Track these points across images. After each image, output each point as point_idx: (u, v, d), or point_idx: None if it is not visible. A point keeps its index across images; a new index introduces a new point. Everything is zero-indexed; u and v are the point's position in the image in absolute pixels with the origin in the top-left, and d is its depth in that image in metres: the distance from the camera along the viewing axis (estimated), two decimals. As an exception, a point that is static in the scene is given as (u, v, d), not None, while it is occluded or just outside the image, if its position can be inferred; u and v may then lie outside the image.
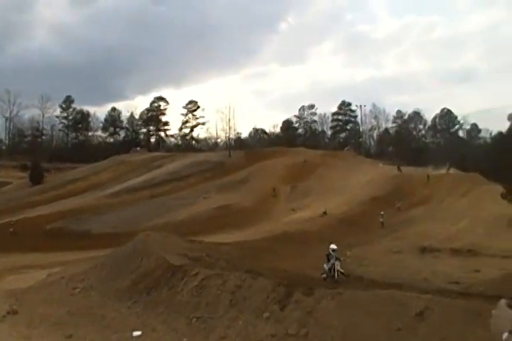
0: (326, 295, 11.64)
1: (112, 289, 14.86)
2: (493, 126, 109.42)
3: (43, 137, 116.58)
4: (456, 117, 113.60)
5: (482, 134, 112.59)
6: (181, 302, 13.02)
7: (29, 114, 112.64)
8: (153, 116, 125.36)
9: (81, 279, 16.43)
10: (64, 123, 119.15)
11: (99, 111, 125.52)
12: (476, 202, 46.24)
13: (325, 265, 18.55)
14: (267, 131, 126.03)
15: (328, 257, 18.45)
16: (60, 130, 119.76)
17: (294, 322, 11.08)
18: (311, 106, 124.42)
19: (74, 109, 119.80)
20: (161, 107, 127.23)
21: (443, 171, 62.18)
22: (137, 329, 11.96)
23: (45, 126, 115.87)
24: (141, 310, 13.21)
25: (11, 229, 42.29)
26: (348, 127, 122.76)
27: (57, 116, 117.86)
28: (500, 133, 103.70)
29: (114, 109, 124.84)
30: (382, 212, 40.98)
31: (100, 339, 11.74)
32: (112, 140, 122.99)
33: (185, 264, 15.00)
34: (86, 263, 19.77)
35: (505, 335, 2.38)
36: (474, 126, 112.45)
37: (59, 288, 16.06)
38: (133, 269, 15.92)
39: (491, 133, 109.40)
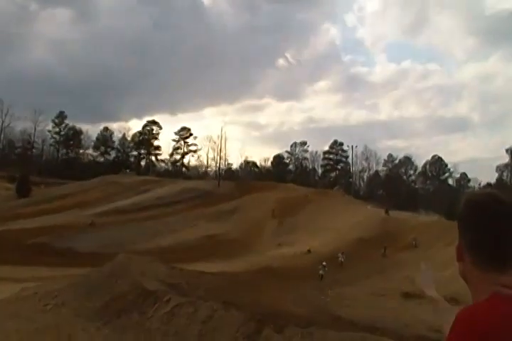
0: (296, 333, 11.23)
1: (84, 308, 14.42)
2: (482, 176, 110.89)
3: (34, 150, 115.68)
4: (446, 165, 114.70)
5: (471, 184, 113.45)
6: (150, 328, 12.66)
7: (21, 126, 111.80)
8: (145, 139, 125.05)
9: (54, 296, 15.94)
10: (55, 138, 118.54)
11: (92, 130, 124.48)
12: (462, 251, 45.86)
13: None
14: (258, 164, 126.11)
15: None
16: (51, 145, 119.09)
17: None
18: (303, 143, 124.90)
19: (66, 125, 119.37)
20: (154, 131, 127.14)
21: (432, 218, 62.04)
22: None
23: (36, 140, 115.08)
24: (109, 333, 12.81)
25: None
26: (339, 167, 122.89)
27: (49, 131, 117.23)
28: (488, 184, 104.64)
29: (106, 129, 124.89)
30: (324, 263, 37.11)
31: None
32: (102, 159, 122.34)
33: (158, 290, 14.60)
34: (63, 280, 19.36)
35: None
36: (464, 175, 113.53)
37: (31, 304, 15.66)
38: (107, 290, 15.51)
39: (479, 184, 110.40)
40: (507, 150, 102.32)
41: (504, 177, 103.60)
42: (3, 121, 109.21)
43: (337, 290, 29.45)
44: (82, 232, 49.47)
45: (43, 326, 13.34)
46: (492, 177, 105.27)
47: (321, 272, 36.25)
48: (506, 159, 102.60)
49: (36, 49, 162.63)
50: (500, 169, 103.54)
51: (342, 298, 26.88)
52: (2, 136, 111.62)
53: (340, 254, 39.62)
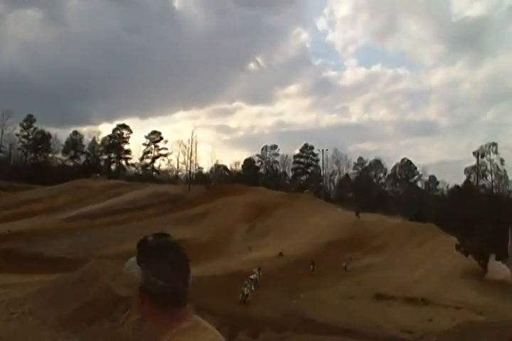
0: (271, 337, 11.25)
1: (53, 316, 14.15)
2: (450, 178, 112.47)
3: (1, 154, 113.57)
4: (415, 168, 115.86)
5: (440, 186, 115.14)
6: (122, 336, 12.51)
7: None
8: (115, 143, 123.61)
9: (21, 304, 15.62)
10: (23, 142, 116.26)
11: (61, 134, 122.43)
12: (431, 252, 46.60)
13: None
14: (229, 168, 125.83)
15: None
16: (19, 149, 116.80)
17: None
18: (274, 147, 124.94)
19: (35, 128, 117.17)
20: (124, 135, 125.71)
21: (401, 220, 62.82)
22: None
23: (3, 144, 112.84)
24: (80, 341, 12.55)
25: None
26: (309, 170, 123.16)
27: (17, 135, 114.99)
28: (456, 187, 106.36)
29: (76, 133, 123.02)
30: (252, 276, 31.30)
31: None
32: (71, 164, 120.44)
33: (129, 296, 14.44)
34: (31, 287, 18.95)
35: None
36: (432, 177, 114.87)
37: None
38: (77, 297, 15.31)
39: (447, 186, 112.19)
40: (474, 153, 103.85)
41: (472, 180, 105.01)
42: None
43: (308, 293, 29.53)
44: (50, 238, 48.60)
45: (10, 335, 13.04)
46: (460, 180, 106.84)
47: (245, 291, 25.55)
48: (474, 161, 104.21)
49: (4, 50, 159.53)
50: (467, 171, 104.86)
51: (313, 301, 26.96)
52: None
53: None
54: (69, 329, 13.14)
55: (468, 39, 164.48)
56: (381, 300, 30.86)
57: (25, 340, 12.65)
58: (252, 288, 23.09)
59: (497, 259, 40.51)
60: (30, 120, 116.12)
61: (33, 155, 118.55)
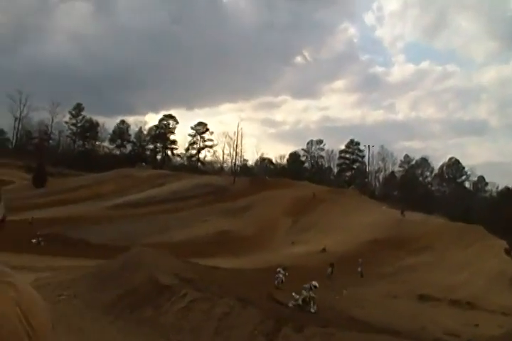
0: (316, 333, 10.97)
1: (97, 301, 14.23)
2: (499, 180, 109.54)
3: (50, 141, 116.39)
4: (463, 168, 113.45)
5: (488, 187, 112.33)
6: (165, 323, 12.45)
7: (38, 116, 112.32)
8: (162, 133, 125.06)
9: (67, 287, 15.77)
10: (72, 130, 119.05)
11: (108, 123, 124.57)
12: (478, 255, 45.38)
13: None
14: (274, 161, 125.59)
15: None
16: (67, 136, 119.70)
17: None
18: (320, 142, 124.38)
19: (83, 117, 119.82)
20: (170, 125, 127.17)
21: (447, 221, 61.46)
22: None
23: (53, 131, 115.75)
24: (122, 327, 12.61)
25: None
26: (355, 166, 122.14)
27: (66, 122, 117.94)
28: (507, 189, 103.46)
29: (123, 122, 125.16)
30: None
31: None
32: (118, 152, 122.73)
33: (174, 284, 14.39)
34: (77, 271, 19.21)
35: None
36: (481, 178, 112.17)
37: (44, 294, 15.21)
38: (121, 283, 15.34)
39: (497, 188, 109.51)
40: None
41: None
42: (21, 112, 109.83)
43: (351, 290, 29.09)
44: (95, 224, 49.43)
45: (55, 316, 13.09)
46: (510, 181, 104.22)
47: (359, 269, 35.94)
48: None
49: (56, 41, 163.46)
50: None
51: (356, 298, 26.52)
52: (20, 126, 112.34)
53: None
54: (112, 314, 13.18)
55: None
56: (425, 301, 30.20)
57: (69, 322, 12.68)
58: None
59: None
60: (79, 108, 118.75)
61: (81, 142, 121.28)
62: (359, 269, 37.01)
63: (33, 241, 39.84)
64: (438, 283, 35.25)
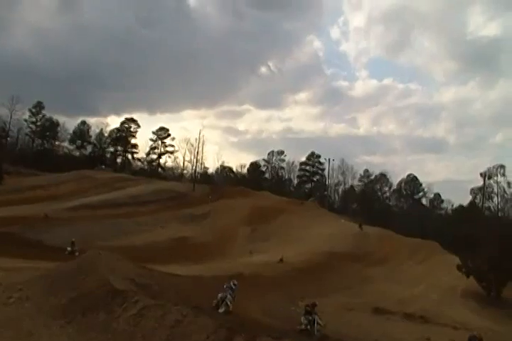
0: (268, 344, 10.84)
1: (48, 304, 13.86)
2: (455, 197, 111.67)
3: (8, 139, 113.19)
4: (420, 184, 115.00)
5: (444, 205, 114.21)
6: (117, 329, 12.22)
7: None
8: (123, 136, 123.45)
9: (18, 289, 15.31)
10: (31, 128, 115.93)
11: (69, 123, 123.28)
12: (432, 270, 46.37)
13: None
14: (234, 170, 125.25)
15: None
16: (26, 134, 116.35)
17: None
18: (281, 153, 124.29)
19: (43, 115, 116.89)
20: (132, 129, 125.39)
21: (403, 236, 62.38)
22: None
23: (11, 128, 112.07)
24: (73, 332, 12.31)
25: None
26: (315, 179, 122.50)
27: (25, 120, 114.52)
28: (461, 206, 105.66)
29: (84, 123, 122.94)
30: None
31: None
32: (77, 153, 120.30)
33: (128, 289, 14.12)
34: (30, 273, 18.63)
35: None
36: (437, 195, 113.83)
37: None
38: (74, 287, 14.98)
39: (452, 205, 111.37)
40: (481, 174, 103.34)
41: (477, 200, 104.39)
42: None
43: (307, 301, 29.03)
44: (52, 225, 48.30)
45: (4, 319, 12.78)
46: (465, 200, 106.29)
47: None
48: (480, 182, 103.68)
49: (18, 35, 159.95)
50: (474, 192, 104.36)
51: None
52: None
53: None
54: (64, 318, 12.84)
55: (482, 59, 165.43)
56: (380, 314, 30.41)
57: (19, 326, 12.33)
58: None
59: (501, 282, 40.00)
60: (39, 106, 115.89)
61: (40, 141, 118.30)
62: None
63: None
64: (393, 297, 35.70)
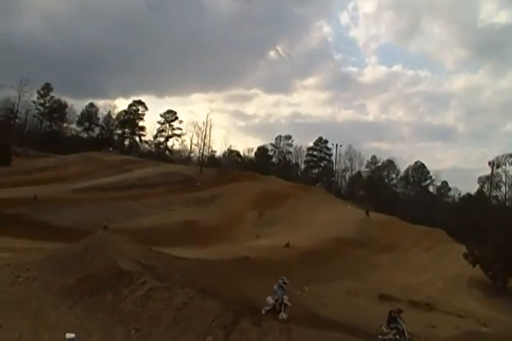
0: (274, 328, 10.87)
1: (56, 284, 13.91)
2: (462, 186, 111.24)
3: (17, 120, 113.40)
4: (428, 172, 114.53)
5: (451, 193, 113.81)
6: (124, 310, 12.24)
7: (5, 94, 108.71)
8: (130, 119, 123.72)
9: (27, 269, 15.40)
10: (40, 110, 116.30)
11: (77, 105, 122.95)
12: (438, 258, 46.28)
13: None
14: (242, 154, 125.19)
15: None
16: (34, 116, 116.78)
17: None
18: (288, 137, 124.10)
19: (52, 97, 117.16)
20: (139, 112, 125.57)
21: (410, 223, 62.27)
22: (72, 332, 11.18)
23: (20, 110, 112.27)
24: (80, 312, 12.35)
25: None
26: (322, 164, 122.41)
27: (33, 102, 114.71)
28: (468, 195, 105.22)
29: (92, 105, 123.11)
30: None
31: (30, 335, 10.96)
32: (85, 135, 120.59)
33: (135, 271, 14.12)
34: (38, 253, 18.77)
35: None
36: (445, 183, 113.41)
37: (2, 275, 15.29)
38: (81, 267, 15.02)
39: (459, 193, 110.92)
40: (489, 163, 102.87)
41: (485, 190, 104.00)
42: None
43: (313, 287, 29.12)
44: (60, 207, 48.51)
45: (13, 298, 12.85)
46: (473, 189, 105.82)
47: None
48: (488, 171, 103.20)
49: (27, 18, 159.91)
50: (481, 181, 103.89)
51: (318, 295, 26.57)
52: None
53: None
54: (71, 299, 12.90)
55: (493, 47, 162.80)
56: (385, 301, 30.39)
57: (27, 305, 12.42)
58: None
59: (508, 272, 39.90)
60: (47, 88, 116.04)
61: (48, 123, 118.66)
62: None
63: None
64: (398, 284, 35.70)
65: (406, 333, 16.84)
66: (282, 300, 16.57)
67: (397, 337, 16.77)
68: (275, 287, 17.17)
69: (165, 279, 14.41)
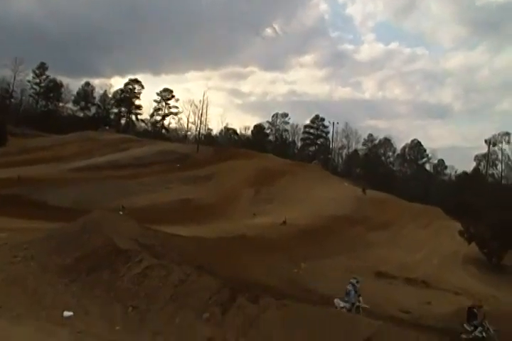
0: (271, 304, 10.95)
1: (53, 263, 13.97)
2: (459, 164, 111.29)
3: (12, 100, 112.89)
4: (425, 150, 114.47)
5: (447, 171, 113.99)
6: (120, 288, 12.35)
7: (0, 73, 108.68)
8: (127, 97, 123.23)
9: (24, 248, 15.46)
10: (35, 89, 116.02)
11: (73, 84, 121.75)
12: (434, 235, 46.59)
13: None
14: (238, 132, 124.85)
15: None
16: (30, 95, 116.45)
17: (234, 328, 10.39)
18: (285, 115, 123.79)
19: (47, 76, 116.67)
20: (135, 90, 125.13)
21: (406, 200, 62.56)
22: (69, 310, 11.32)
23: (15, 89, 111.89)
24: (77, 290, 12.44)
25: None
26: (319, 142, 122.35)
27: (28, 81, 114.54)
28: (465, 173, 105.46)
29: (88, 84, 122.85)
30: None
31: (28, 313, 11.05)
32: (81, 114, 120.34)
33: (131, 249, 14.19)
34: (35, 233, 18.82)
35: None
36: (441, 161, 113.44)
37: (0, 254, 15.04)
38: (78, 246, 15.06)
39: (456, 171, 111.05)
40: (486, 141, 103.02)
41: (481, 168, 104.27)
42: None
43: (309, 264, 29.30)
44: (56, 186, 48.49)
45: (10, 277, 12.91)
46: (469, 167, 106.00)
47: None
48: (484, 149, 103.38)
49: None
50: (478, 159, 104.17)
51: (315, 272, 26.76)
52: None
53: None
54: (68, 277, 12.98)
55: (491, 24, 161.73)
56: (382, 278, 30.72)
57: (24, 284, 12.51)
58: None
59: (503, 249, 40.20)
60: (42, 68, 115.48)
61: (43, 102, 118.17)
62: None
63: None
64: (395, 261, 35.97)
65: (491, 330, 15.11)
66: (359, 303, 14.98)
67: (484, 334, 15.07)
68: (349, 287, 15.14)
69: (162, 257, 14.48)
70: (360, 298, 14.91)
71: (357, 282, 15.25)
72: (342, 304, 14.69)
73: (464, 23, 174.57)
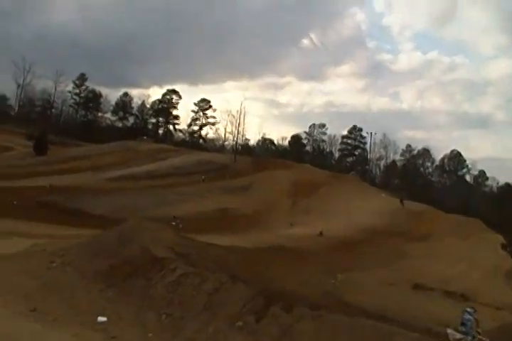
0: (306, 314, 10.78)
1: (89, 270, 14.15)
2: (500, 175, 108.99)
3: (53, 110, 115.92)
4: (465, 161, 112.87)
5: (489, 182, 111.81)
6: (155, 295, 12.40)
7: (41, 84, 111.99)
8: (164, 108, 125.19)
9: (61, 254, 15.71)
10: (75, 99, 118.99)
11: (111, 94, 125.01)
12: (475, 248, 45.42)
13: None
14: (275, 142, 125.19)
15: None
16: (70, 106, 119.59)
17: (268, 337, 10.24)
18: (322, 126, 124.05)
19: (87, 87, 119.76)
20: (173, 100, 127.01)
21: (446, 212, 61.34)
22: (104, 315, 11.44)
23: (56, 100, 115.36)
24: (112, 296, 12.56)
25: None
26: (356, 153, 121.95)
27: (69, 92, 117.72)
28: (507, 185, 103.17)
29: (126, 94, 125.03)
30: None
31: (63, 318, 11.14)
32: (120, 125, 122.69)
33: (166, 257, 14.23)
34: (72, 240, 19.10)
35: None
36: (482, 172, 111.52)
37: (38, 260, 15.64)
38: (114, 253, 15.22)
39: (497, 183, 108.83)
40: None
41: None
42: (24, 79, 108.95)
43: (346, 275, 28.96)
44: (94, 195, 49.20)
45: (48, 283, 13.09)
46: (511, 178, 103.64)
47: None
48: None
49: (62, 10, 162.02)
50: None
51: (351, 283, 26.41)
52: (22, 93, 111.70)
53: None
54: (104, 283, 13.15)
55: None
56: (419, 291, 30.13)
57: (60, 289, 12.70)
58: None
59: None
60: (82, 78, 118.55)
61: (83, 113, 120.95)
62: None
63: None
64: (433, 274, 35.24)
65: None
66: (479, 335, 12.85)
67: None
68: (465, 317, 13.08)
69: (197, 265, 14.46)
70: (480, 330, 13.02)
71: (474, 311, 13.27)
72: (458, 336, 12.74)
73: (505, 30, 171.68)
